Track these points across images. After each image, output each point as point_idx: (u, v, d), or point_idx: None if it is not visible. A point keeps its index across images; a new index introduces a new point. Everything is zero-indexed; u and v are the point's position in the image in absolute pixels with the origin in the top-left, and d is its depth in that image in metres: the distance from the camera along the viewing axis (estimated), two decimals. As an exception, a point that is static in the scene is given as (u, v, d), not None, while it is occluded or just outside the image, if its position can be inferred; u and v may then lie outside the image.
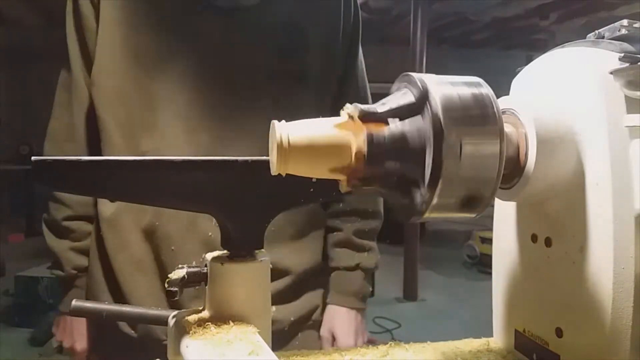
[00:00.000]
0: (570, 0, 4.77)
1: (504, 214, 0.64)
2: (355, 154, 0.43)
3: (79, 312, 0.54)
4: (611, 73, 0.49)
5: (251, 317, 0.48)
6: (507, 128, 0.52)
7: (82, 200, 0.92)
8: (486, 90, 0.45)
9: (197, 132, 0.82)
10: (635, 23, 0.53)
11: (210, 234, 0.81)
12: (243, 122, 0.83)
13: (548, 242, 0.55)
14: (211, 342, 0.44)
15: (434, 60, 4.41)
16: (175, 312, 0.52)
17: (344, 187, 0.45)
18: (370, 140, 0.43)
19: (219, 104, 0.83)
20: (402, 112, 0.44)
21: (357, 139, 0.43)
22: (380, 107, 0.45)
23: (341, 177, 0.45)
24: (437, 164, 0.42)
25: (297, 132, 0.43)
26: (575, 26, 5.43)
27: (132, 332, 0.87)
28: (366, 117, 0.43)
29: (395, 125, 0.44)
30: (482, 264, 4.76)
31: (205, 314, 0.50)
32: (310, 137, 0.43)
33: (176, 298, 0.49)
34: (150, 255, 0.83)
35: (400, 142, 0.44)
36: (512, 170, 0.52)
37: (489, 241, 4.33)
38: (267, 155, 0.45)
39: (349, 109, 0.44)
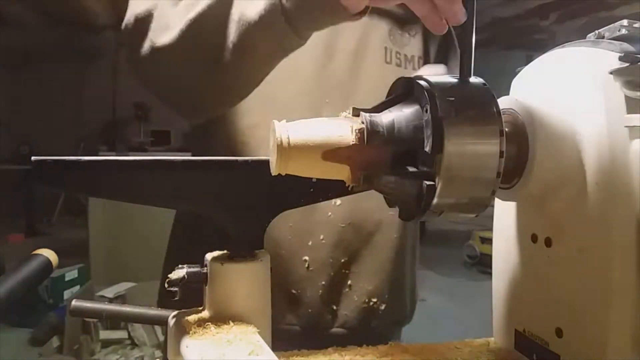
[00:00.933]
0: (570, 0, 4.76)
1: (504, 214, 0.64)
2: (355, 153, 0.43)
3: (78, 312, 0.54)
4: (611, 73, 0.49)
5: (251, 317, 0.48)
6: (507, 128, 0.51)
7: None
8: (486, 90, 0.45)
9: (319, 109, 0.77)
10: (635, 23, 0.53)
11: (329, 214, 0.78)
12: (349, 99, 0.80)
13: (548, 242, 0.55)
14: (211, 342, 0.44)
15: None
16: (175, 312, 0.52)
17: (348, 182, 0.45)
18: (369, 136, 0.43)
19: (340, 81, 0.80)
20: (404, 121, 0.44)
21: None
22: (385, 115, 0.45)
23: (341, 177, 0.45)
24: (437, 164, 0.42)
25: (297, 132, 0.43)
26: (575, 26, 5.44)
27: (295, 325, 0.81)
28: (371, 137, 0.43)
29: (395, 129, 0.44)
30: (482, 264, 4.75)
31: (205, 314, 0.50)
32: (311, 136, 0.43)
33: (176, 298, 0.49)
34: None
35: (399, 143, 0.44)
36: (512, 170, 0.52)
37: (489, 241, 4.33)
38: None
39: (355, 123, 0.44)
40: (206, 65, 0.57)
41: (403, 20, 0.85)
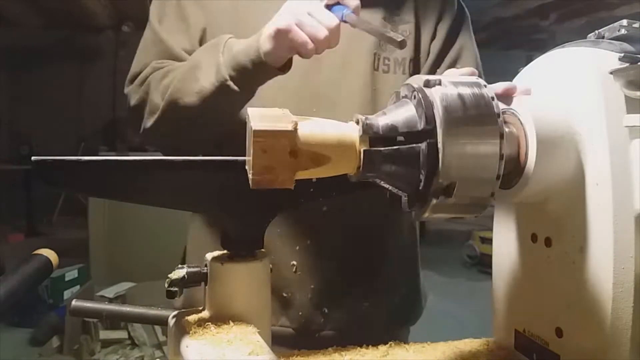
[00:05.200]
0: (570, 0, 4.76)
1: (504, 214, 0.64)
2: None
3: (78, 312, 0.54)
4: (611, 73, 0.49)
5: (251, 317, 0.48)
6: (507, 128, 0.51)
7: None
8: (486, 90, 0.45)
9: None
10: (635, 23, 0.53)
11: (317, 220, 0.79)
12: (336, 107, 0.80)
13: (548, 242, 0.55)
14: (211, 342, 0.44)
15: (434, 60, 4.39)
16: (175, 312, 0.52)
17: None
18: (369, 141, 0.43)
19: (326, 90, 0.82)
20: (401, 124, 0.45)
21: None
22: (382, 117, 0.45)
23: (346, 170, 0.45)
24: (436, 164, 0.42)
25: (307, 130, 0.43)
26: (575, 26, 5.43)
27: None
28: (367, 133, 0.44)
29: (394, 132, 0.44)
30: (482, 264, 4.75)
31: (205, 314, 0.50)
32: (322, 134, 0.43)
33: (176, 298, 0.49)
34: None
35: (398, 148, 0.44)
36: (512, 170, 0.52)
37: (489, 241, 4.32)
38: None
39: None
40: (185, 127, 0.75)
41: (394, 23, 0.85)
